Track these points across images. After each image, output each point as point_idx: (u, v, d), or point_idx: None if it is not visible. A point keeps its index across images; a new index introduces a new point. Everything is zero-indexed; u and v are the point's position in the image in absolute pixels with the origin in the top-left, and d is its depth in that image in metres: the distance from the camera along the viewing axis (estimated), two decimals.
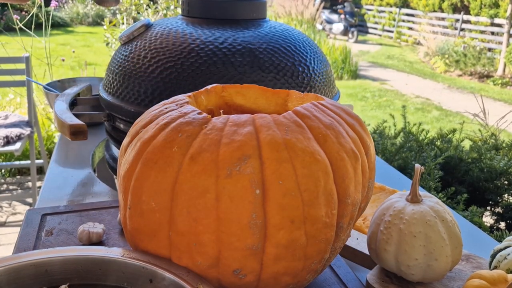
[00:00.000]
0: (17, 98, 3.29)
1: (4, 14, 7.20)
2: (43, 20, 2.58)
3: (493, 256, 0.52)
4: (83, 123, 0.73)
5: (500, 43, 7.34)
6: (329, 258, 0.48)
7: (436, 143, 1.51)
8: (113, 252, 0.44)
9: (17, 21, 2.57)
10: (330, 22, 10.04)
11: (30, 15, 2.60)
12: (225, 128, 0.43)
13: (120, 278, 0.43)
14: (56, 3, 2.66)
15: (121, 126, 0.80)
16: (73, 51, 4.79)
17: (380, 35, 10.91)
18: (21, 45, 2.58)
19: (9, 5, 2.83)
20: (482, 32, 8.14)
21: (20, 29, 2.56)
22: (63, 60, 3.83)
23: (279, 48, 0.76)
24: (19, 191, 2.65)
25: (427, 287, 0.51)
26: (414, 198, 0.51)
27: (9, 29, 5.11)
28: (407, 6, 10.40)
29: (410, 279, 0.50)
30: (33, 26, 2.54)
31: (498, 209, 1.29)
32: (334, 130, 0.44)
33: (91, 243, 0.59)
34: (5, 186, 2.69)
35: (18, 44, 2.63)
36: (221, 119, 0.44)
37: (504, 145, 1.51)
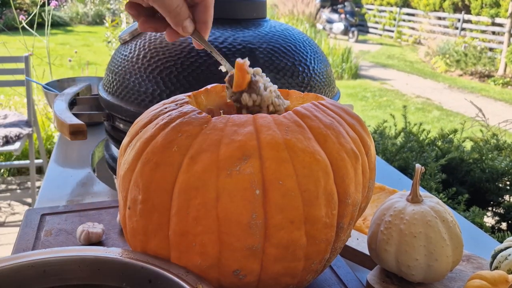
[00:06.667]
0: (15, 97, 3.29)
1: (4, 13, 7.20)
2: (47, 19, 2.57)
3: (494, 257, 0.52)
4: (83, 122, 0.72)
5: (501, 42, 7.33)
6: (329, 259, 0.48)
7: (437, 143, 1.50)
8: (112, 252, 0.44)
9: (22, 20, 2.57)
10: (330, 21, 10.03)
11: (33, 14, 2.60)
12: (225, 128, 0.43)
13: (119, 278, 0.43)
14: (56, 2, 2.64)
15: (121, 126, 0.80)
16: (75, 52, 4.78)
17: (380, 35, 10.91)
18: (23, 44, 2.58)
19: (12, 4, 2.82)
20: (483, 31, 8.13)
21: (22, 28, 2.56)
22: (70, 60, 3.86)
23: (279, 47, 0.75)
24: (18, 191, 2.65)
25: (428, 287, 0.51)
26: (414, 198, 0.51)
27: (10, 28, 5.10)
28: (408, 5, 10.39)
29: (411, 279, 0.50)
30: (35, 25, 2.53)
31: (500, 210, 1.29)
32: (334, 130, 0.44)
33: (90, 243, 0.59)
34: (4, 186, 2.68)
35: (19, 43, 2.63)
36: (221, 119, 0.44)
37: (506, 145, 1.50)
